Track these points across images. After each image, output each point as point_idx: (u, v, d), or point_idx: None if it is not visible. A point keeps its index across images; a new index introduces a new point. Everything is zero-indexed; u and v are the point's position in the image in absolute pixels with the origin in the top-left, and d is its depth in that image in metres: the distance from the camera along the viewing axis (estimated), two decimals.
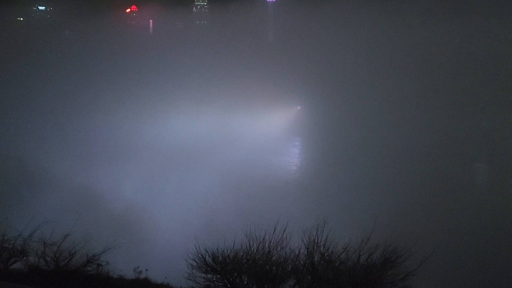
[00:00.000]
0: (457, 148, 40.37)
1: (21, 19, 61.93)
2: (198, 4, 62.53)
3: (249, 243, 15.08)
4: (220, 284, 14.46)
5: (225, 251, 14.90)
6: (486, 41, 46.45)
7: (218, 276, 14.50)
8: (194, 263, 14.87)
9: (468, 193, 35.65)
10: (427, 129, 42.60)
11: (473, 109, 43.63)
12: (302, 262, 14.94)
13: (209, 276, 14.57)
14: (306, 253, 15.15)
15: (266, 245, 15.14)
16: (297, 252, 15.20)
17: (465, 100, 43.74)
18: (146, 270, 16.68)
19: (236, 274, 14.41)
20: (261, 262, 14.66)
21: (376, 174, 37.87)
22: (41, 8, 62.17)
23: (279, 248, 15.05)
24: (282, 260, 14.91)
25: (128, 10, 63.43)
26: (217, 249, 14.90)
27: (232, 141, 41.24)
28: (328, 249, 15.37)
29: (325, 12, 51.96)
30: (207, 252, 14.89)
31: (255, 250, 14.97)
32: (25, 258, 15.17)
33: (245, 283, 14.39)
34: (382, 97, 45.68)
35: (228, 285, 14.40)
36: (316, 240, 15.43)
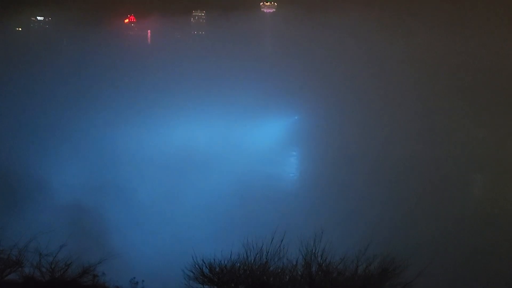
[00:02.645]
0: (458, 159, 40.45)
1: (20, 29, 61.98)
2: (196, 15, 62.74)
3: (247, 254, 15.04)
4: None
5: (222, 262, 14.85)
6: (490, 48, 46.86)
7: (215, 287, 14.42)
8: (191, 274, 14.79)
9: (467, 204, 35.66)
10: (427, 139, 42.71)
11: (474, 119, 43.82)
12: (299, 273, 14.89)
13: (206, 287, 14.49)
14: (303, 263, 15.11)
15: (264, 256, 15.09)
16: (294, 263, 15.15)
17: (467, 109, 43.95)
18: (143, 281, 16.58)
19: (233, 285, 14.34)
20: (258, 272, 14.61)
21: (374, 183, 37.88)
22: (39, 18, 62.23)
23: (276, 259, 15.01)
24: (279, 270, 14.87)
25: (126, 20, 63.58)
26: (214, 259, 14.85)
27: (229, 151, 41.25)
28: (325, 259, 15.33)
29: (323, 22, 52.33)
30: (204, 263, 14.83)
31: (252, 261, 14.93)
32: (20, 269, 15.05)
33: None
34: (380, 107, 45.85)
35: None
36: (313, 251, 15.40)
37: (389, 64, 49.14)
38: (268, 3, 63.14)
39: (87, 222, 29.64)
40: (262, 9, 63.22)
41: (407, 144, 42.14)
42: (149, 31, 62.47)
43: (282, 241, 15.38)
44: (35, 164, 37.98)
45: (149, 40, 63.65)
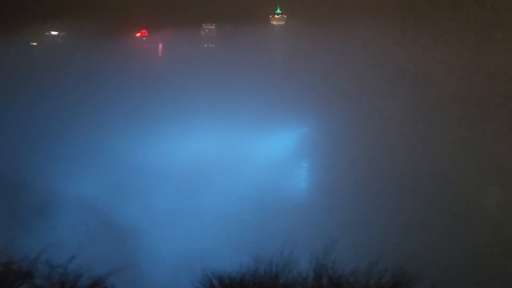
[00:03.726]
0: (471, 170, 39.91)
1: (35, 43, 63.28)
2: (206, 28, 63.44)
3: (256, 266, 14.89)
4: None
5: (232, 274, 14.71)
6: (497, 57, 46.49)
7: None
8: (201, 286, 14.68)
9: (481, 216, 35.05)
10: (439, 149, 42.28)
11: (488, 130, 43.32)
12: (309, 286, 14.67)
13: None
14: (313, 276, 14.90)
15: (273, 268, 14.92)
16: (304, 275, 14.95)
17: (481, 120, 43.48)
18: None
19: None
20: (268, 285, 14.43)
21: (385, 194, 37.50)
22: (53, 33, 63.50)
23: (286, 271, 14.82)
24: (289, 283, 14.67)
25: (138, 34, 64.56)
26: (223, 271, 14.73)
27: (239, 162, 41.27)
28: (336, 272, 15.11)
29: (332, 34, 52.48)
30: (213, 275, 14.71)
31: (262, 273, 14.75)
32: (31, 280, 15.09)
33: None
34: (391, 117, 45.60)
35: None
36: (324, 263, 15.19)
37: (400, 74, 49.00)
38: (278, 16, 63.62)
39: (98, 234, 29.74)
40: (271, 22, 63.68)
41: (419, 155, 41.76)
42: (160, 44, 63.28)
43: (292, 253, 15.22)
44: (46, 175, 38.38)
45: (160, 53, 64.44)
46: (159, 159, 41.13)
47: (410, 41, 50.92)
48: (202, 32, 63.74)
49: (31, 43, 61.83)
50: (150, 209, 35.00)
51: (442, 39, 49.78)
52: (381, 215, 34.87)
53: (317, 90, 50.06)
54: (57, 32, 63.01)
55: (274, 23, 64.34)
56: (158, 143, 43.73)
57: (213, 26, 63.33)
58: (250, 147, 44.65)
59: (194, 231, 31.65)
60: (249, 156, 43.45)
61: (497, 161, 40.79)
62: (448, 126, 43.98)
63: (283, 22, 64.23)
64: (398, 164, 40.61)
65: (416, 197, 37.14)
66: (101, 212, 33.06)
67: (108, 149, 42.35)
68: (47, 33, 62.69)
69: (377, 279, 15.20)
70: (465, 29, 49.42)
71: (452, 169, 39.95)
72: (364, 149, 43.64)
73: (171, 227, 32.62)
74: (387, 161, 41.22)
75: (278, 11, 63.57)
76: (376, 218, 34.50)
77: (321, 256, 15.72)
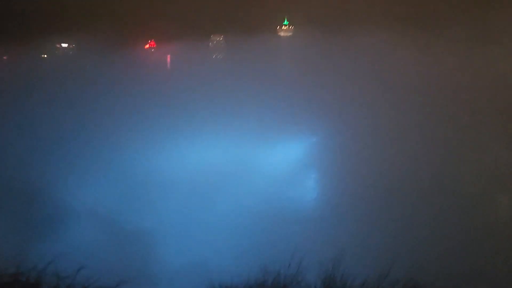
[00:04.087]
0: (485, 179, 39.39)
1: (45, 56, 64.25)
2: (214, 39, 64.00)
3: (264, 277, 14.72)
4: None
5: (239, 286, 14.54)
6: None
7: None
8: None
9: (495, 225, 34.48)
10: (451, 159, 41.85)
11: (502, 139, 42.81)
12: None
13: None
14: None
15: (281, 280, 14.73)
16: (313, 287, 14.74)
17: (495, 129, 43.01)
18: None
19: None
20: None
21: (396, 205, 37.11)
22: (64, 45, 64.50)
23: (294, 283, 14.62)
24: None
25: (147, 46, 65.29)
26: (230, 283, 14.58)
27: (247, 173, 41.21)
28: (345, 283, 14.88)
29: (341, 45, 52.57)
30: (220, 287, 14.56)
31: (270, 285, 14.57)
32: None
33: None
34: (401, 128, 45.31)
35: None
36: (332, 274, 14.98)
37: (411, 84, 48.79)
38: (285, 27, 63.95)
39: (106, 244, 29.75)
40: (279, 33, 64.01)
41: (431, 164, 41.36)
42: (168, 55, 63.87)
43: (300, 264, 15.02)
44: (55, 184, 38.62)
45: (168, 64, 65.01)
46: (168, 169, 41.24)
47: (421, 51, 50.74)
48: (210, 43, 64.25)
49: (42, 55, 62.77)
50: (158, 219, 34.98)
51: (453, 47, 49.49)
52: (391, 225, 34.46)
53: (325, 100, 50.04)
54: (67, 44, 63.90)
55: (282, 34, 64.67)
56: (167, 153, 43.90)
57: (221, 37, 63.81)
58: (259, 157, 44.61)
59: (201, 242, 31.53)
60: (257, 166, 43.38)
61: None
62: (462, 134, 43.55)
63: (291, 33, 64.54)
64: (409, 174, 40.21)
65: (427, 207, 36.67)
66: (109, 222, 33.11)
67: (117, 159, 42.60)
68: (58, 45, 63.61)
69: None
70: (474, 35, 49.12)
71: (467, 178, 39.42)
72: (373, 159, 43.36)
73: (179, 237, 32.53)
74: (398, 171, 40.86)
75: (286, 22, 63.92)
76: (386, 228, 34.09)
77: (330, 268, 15.50)
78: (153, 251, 30.54)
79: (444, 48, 49.19)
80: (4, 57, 61.10)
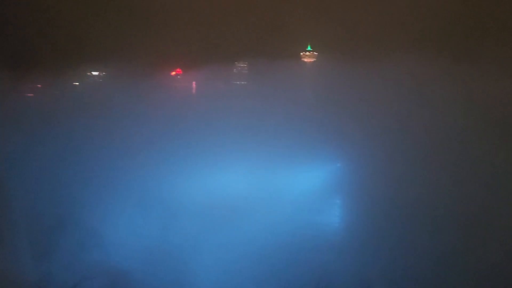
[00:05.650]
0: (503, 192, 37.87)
1: (77, 83, 66.59)
2: (239, 65, 65.10)
3: None
4: None
5: None
6: None
7: None
8: None
9: None
10: (477, 185, 40.49)
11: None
12: None
13: None
14: None
15: None
16: None
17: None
18: None
19: None
20: None
21: (424, 233, 35.93)
22: (94, 73, 66.89)
23: None
24: None
25: (173, 73, 66.98)
26: None
27: (270, 199, 40.92)
28: None
29: (365, 70, 52.54)
30: None
31: None
32: None
33: None
34: (428, 153, 44.40)
35: None
36: None
37: (437, 108, 47.98)
38: (309, 53, 64.48)
39: (129, 272, 29.84)
40: (302, 59, 64.57)
41: (457, 190, 40.12)
42: (194, 82, 65.20)
43: None
44: (83, 211, 39.26)
45: (194, 90, 66.30)
46: (189, 196, 41.41)
47: (450, 76, 49.98)
48: (234, 69, 65.34)
49: (73, 83, 65.09)
50: (180, 247, 34.96)
51: (485, 75, 48.54)
52: (420, 253, 33.27)
53: (349, 125, 49.69)
54: (98, 72, 66.21)
55: (305, 60, 65.22)
56: (192, 177, 44.20)
57: (245, 63, 64.82)
58: (283, 183, 44.34)
59: (224, 268, 31.18)
60: (281, 193, 43.05)
61: None
62: (485, 160, 42.23)
63: (314, 59, 64.98)
64: (435, 200, 39.04)
65: (458, 235, 35.33)
66: (130, 249, 33.29)
67: (141, 183, 43.12)
68: (88, 74, 65.96)
69: None
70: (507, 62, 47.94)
71: (491, 203, 37.96)
72: (400, 186, 42.43)
73: (201, 263, 32.31)
74: (426, 195, 39.74)
75: (309, 48, 64.52)
76: (415, 257, 32.93)
77: None
78: (176, 276, 30.37)
79: (475, 76, 48.34)
80: (38, 85, 63.67)
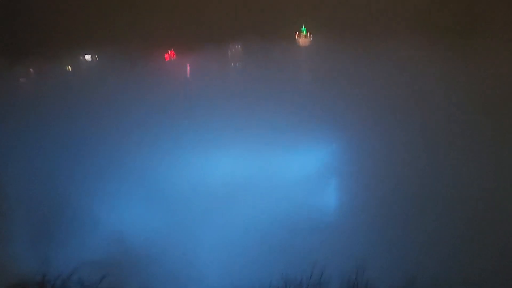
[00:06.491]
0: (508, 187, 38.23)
1: (69, 68, 65.80)
2: (233, 47, 64.52)
3: (286, 286, 14.63)
4: None
5: None
6: None
7: None
8: None
9: None
10: (475, 168, 40.77)
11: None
12: None
13: None
14: None
15: None
16: None
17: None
18: None
19: None
20: None
21: (419, 213, 36.35)
22: (87, 57, 66.08)
23: None
24: None
25: (167, 55, 66.28)
26: None
27: (267, 181, 41.09)
28: None
29: (359, 52, 52.27)
30: None
31: None
32: None
33: None
34: (421, 134, 44.55)
35: None
36: (356, 284, 14.80)
37: (431, 91, 48.02)
38: (303, 35, 63.98)
39: (129, 255, 30.04)
40: (297, 41, 64.08)
41: (454, 171, 40.43)
42: (188, 64, 64.62)
43: (322, 274, 14.89)
44: (81, 196, 39.27)
45: (188, 74, 65.77)
46: (186, 178, 41.45)
47: (443, 58, 49.82)
48: (229, 52, 64.75)
49: (67, 67, 64.30)
50: (178, 229, 35.17)
51: (473, 53, 48.45)
52: (415, 233, 33.73)
53: (344, 107, 49.69)
54: (90, 56, 65.39)
55: (300, 42, 64.73)
56: (186, 162, 44.19)
57: (240, 45, 64.23)
58: (278, 165, 44.47)
59: (223, 251, 31.49)
60: (277, 175, 43.22)
61: None
62: (485, 144, 42.41)
63: (309, 41, 64.53)
64: (433, 181, 39.34)
65: (452, 214, 35.76)
66: (131, 232, 33.47)
67: (137, 168, 43.05)
68: (81, 58, 65.14)
69: None
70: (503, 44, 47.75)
71: (493, 187, 38.22)
72: (394, 166, 42.71)
73: (199, 246, 32.59)
74: (421, 177, 40.03)
75: (304, 29, 63.97)
76: (410, 236, 33.39)
77: (353, 277, 15.27)
78: (174, 261, 30.66)
79: (468, 56, 48.21)
80: (30, 70, 62.88)
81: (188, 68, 64.97)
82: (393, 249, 30.67)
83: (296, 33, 63.97)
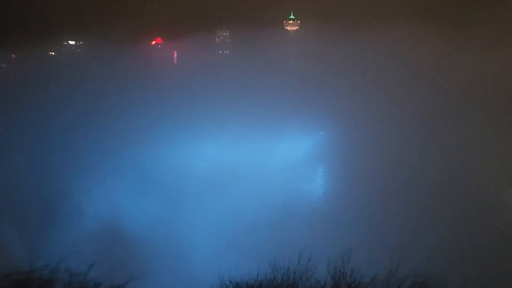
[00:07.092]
0: (491, 172, 38.89)
1: (53, 53, 64.51)
2: (221, 34, 63.95)
3: (274, 274, 14.83)
4: None
5: (249, 282, 14.69)
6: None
7: None
8: None
9: (505, 222, 34.09)
10: (460, 153, 41.34)
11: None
12: None
13: None
14: (332, 283, 14.77)
15: (291, 276, 14.84)
16: (322, 283, 14.83)
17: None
18: None
19: None
20: None
21: (404, 201, 36.85)
22: (71, 42, 64.81)
23: (304, 279, 14.73)
24: None
25: (153, 42, 65.39)
26: (241, 279, 14.71)
27: (254, 168, 41.11)
28: (355, 279, 14.94)
29: (346, 39, 52.21)
30: (231, 283, 14.72)
31: (279, 281, 14.70)
32: None
33: None
34: (410, 123, 44.84)
35: None
36: (342, 270, 15.05)
37: (418, 78, 48.30)
38: (291, 21, 63.70)
39: (117, 243, 30.02)
40: (285, 27, 63.79)
41: (440, 158, 40.92)
42: (175, 51, 63.93)
43: (309, 260, 15.09)
44: (67, 185, 38.86)
45: (175, 60, 65.08)
46: (174, 166, 41.23)
47: (428, 44, 50.09)
48: (216, 38, 64.17)
49: (50, 53, 63.03)
50: (166, 217, 35.12)
51: (460, 40, 48.76)
52: (400, 221, 34.25)
53: (332, 94, 49.78)
54: (74, 42, 64.16)
55: (288, 28, 64.40)
56: (174, 150, 43.93)
57: (227, 32, 63.69)
58: (265, 152, 44.47)
59: (211, 239, 31.60)
60: (264, 162, 43.24)
61: None
62: (469, 129, 42.97)
63: (297, 28, 64.26)
64: (418, 170, 39.79)
65: (436, 203, 36.35)
66: (119, 221, 33.35)
67: (124, 155, 42.64)
68: (65, 43, 63.89)
69: (397, 287, 14.95)
70: (490, 33, 48.02)
71: (477, 172, 38.83)
72: (382, 153, 43.05)
73: (187, 235, 32.66)
74: (407, 167, 40.45)
75: (292, 16, 63.65)
76: (395, 224, 33.90)
77: (339, 264, 15.54)
78: (162, 248, 30.74)
79: (456, 44, 48.45)
80: (13, 55, 61.48)
81: (175, 55, 64.29)
82: (379, 236, 31.18)
83: (284, 20, 63.68)
